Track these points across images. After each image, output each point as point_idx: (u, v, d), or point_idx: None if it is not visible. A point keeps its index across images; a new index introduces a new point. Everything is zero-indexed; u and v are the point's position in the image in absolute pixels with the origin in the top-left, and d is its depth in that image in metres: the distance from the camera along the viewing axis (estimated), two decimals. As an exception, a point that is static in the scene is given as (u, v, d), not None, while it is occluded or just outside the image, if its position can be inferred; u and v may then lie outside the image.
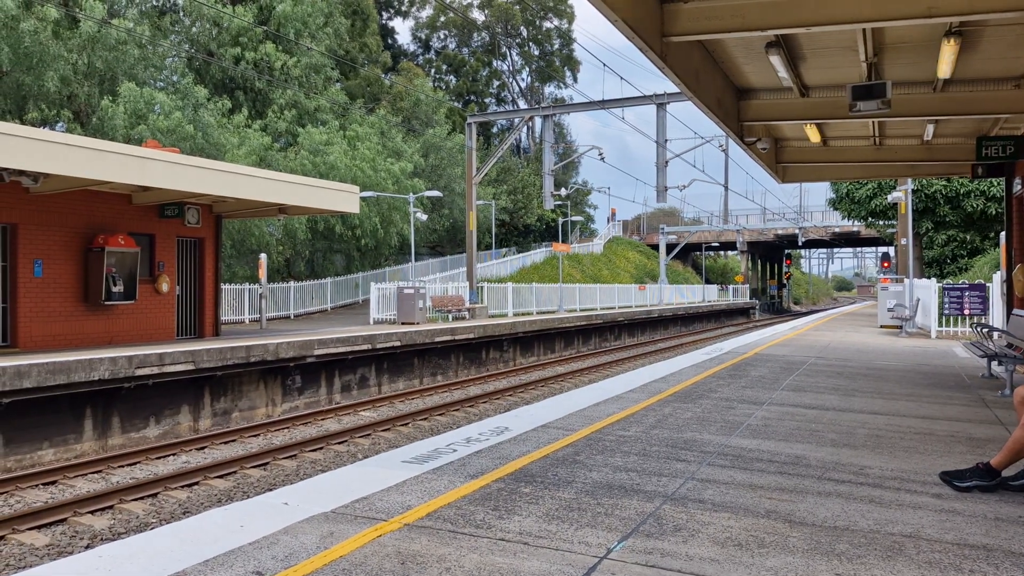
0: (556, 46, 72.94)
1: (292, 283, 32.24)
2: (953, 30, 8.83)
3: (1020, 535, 4.39)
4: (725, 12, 8.20)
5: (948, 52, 9.33)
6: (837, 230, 64.59)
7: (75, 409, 12.17)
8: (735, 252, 75.93)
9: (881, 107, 9.75)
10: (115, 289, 16.22)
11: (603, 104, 27.38)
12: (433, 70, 69.35)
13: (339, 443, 12.50)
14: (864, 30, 8.93)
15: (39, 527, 8.17)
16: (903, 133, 14.86)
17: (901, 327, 22.66)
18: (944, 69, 10.00)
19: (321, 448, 12.13)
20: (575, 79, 74.99)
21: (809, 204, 71.37)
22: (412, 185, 37.64)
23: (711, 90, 10.75)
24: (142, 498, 9.29)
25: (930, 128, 13.92)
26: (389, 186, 35.42)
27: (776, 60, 9.81)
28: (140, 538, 4.25)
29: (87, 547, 7.74)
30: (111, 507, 8.93)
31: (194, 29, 37.85)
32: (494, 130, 64.75)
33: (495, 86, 72.76)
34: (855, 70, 10.66)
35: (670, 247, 60.51)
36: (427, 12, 70.35)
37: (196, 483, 9.96)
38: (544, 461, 5.98)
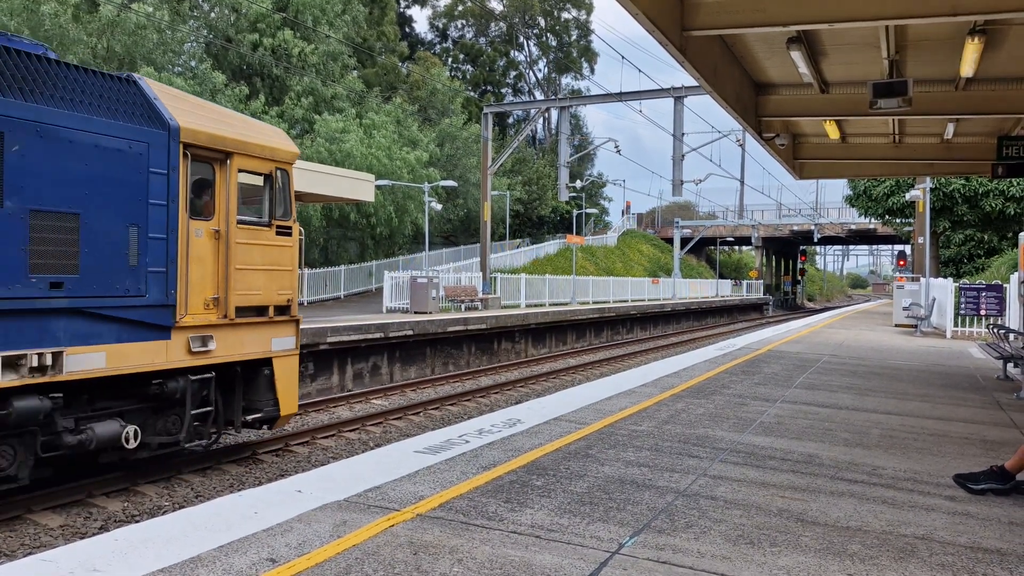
0: (574, 37, 72.69)
1: (306, 270, 32.32)
2: (977, 28, 8.75)
3: (1034, 540, 4.36)
4: (746, 6, 8.14)
5: (971, 51, 9.24)
6: (853, 227, 64.15)
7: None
8: (749, 247, 75.53)
9: (902, 105, 9.68)
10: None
11: (620, 96, 27.28)
12: (450, 59, 69.25)
13: (351, 431, 12.56)
14: (887, 27, 8.85)
15: (54, 508, 8.26)
16: (923, 131, 14.74)
17: (916, 326, 22.52)
18: (967, 68, 9.90)
19: (333, 436, 12.18)
20: (592, 71, 74.80)
21: (825, 200, 70.81)
22: (427, 174, 37.65)
23: (730, 84, 10.69)
24: (155, 481, 9.36)
25: (950, 127, 13.81)
26: (404, 175, 35.44)
27: (797, 56, 9.74)
28: (154, 522, 4.29)
29: (101, 528, 7.82)
30: (125, 489, 9.00)
31: (212, 14, 37.94)
32: (510, 120, 64.65)
33: (512, 76, 72.59)
34: (876, 67, 10.57)
35: (684, 241, 60.29)
36: (445, 1, 70.24)
37: (208, 467, 10.03)
38: (556, 454, 5.99)
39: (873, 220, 39.76)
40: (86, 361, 7.59)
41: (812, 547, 4.12)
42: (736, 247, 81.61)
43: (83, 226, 7.57)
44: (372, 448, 11.05)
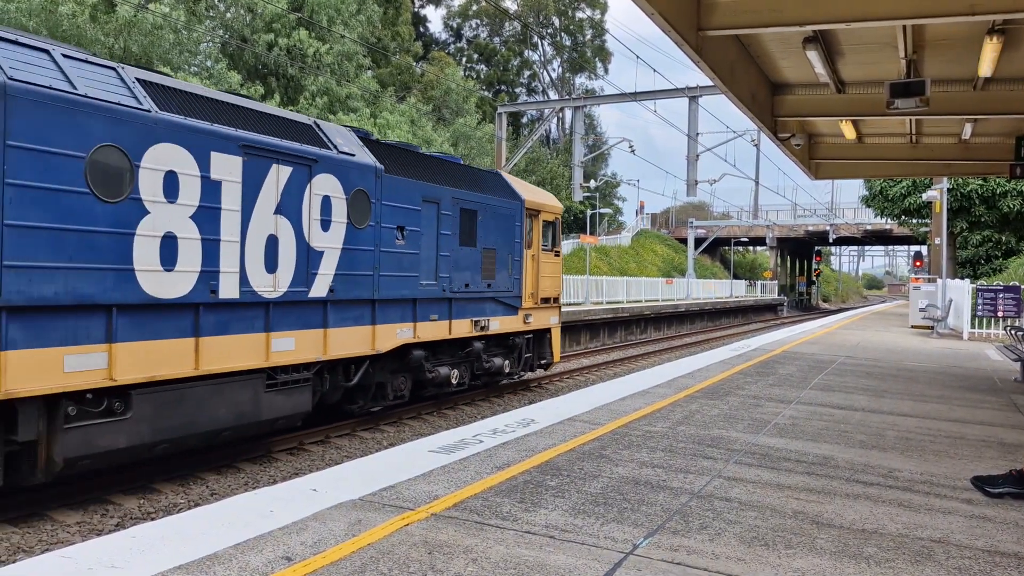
0: (588, 36, 72.61)
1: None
2: (996, 28, 8.68)
3: (1053, 544, 4.33)
4: (762, 6, 8.11)
5: (990, 50, 9.16)
6: (869, 228, 63.73)
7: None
8: (764, 248, 75.20)
9: (919, 105, 9.61)
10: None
11: (635, 96, 27.24)
12: (464, 59, 69.33)
13: (365, 429, 12.59)
14: (904, 27, 8.80)
15: (71, 505, 8.32)
16: (940, 131, 14.63)
17: (932, 327, 22.36)
18: (985, 67, 9.83)
19: (348, 435, 12.22)
20: (606, 70, 74.73)
21: (841, 201, 70.57)
22: (441, 174, 37.67)
23: (745, 84, 10.65)
24: (171, 479, 9.42)
25: (968, 127, 13.70)
26: (418, 175, 35.49)
27: (813, 55, 9.70)
28: (171, 520, 4.32)
29: (118, 526, 7.88)
30: (141, 487, 9.07)
31: (228, 15, 38.12)
32: (523, 120, 64.62)
33: (526, 76, 72.59)
34: (893, 67, 10.50)
35: (698, 241, 60.10)
36: (459, 0, 70.32)
37: (224, 465, 10.08)
38: (570, 454, 5.99)
39: (889, 221, 39.48)
40: (493, 325, 14.04)
41: (827, 549, 4.11)
42: (750, 247, 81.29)
43: (496, 255, 13.93)
44: (386, 447, 11.08)
